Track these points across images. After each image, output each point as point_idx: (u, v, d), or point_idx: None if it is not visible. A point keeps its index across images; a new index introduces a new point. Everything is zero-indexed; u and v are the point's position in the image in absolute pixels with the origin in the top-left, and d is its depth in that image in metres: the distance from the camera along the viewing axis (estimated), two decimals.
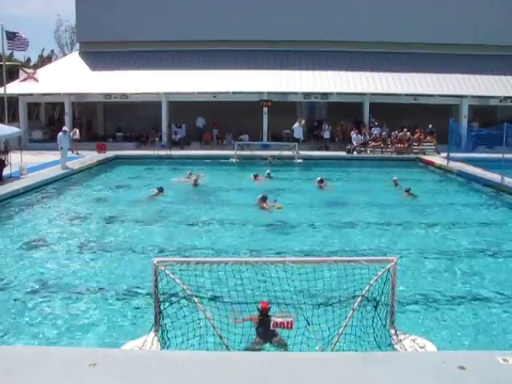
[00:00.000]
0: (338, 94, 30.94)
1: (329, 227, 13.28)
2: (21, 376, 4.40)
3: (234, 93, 30.56)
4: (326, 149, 29.99)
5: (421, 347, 6.14)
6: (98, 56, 33.72)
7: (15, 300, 8.32)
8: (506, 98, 31.05)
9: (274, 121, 30.89)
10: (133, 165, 25.29)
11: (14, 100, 32.21)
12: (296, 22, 32.59)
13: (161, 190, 17.14)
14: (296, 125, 29.62)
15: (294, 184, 20.39)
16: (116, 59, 33.11)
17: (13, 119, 30.49)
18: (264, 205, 14.87)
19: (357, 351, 5.91)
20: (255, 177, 20.06)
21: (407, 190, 17.30)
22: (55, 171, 21.13)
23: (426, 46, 32.57)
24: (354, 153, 28.61)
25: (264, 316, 6.73)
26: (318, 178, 18.99)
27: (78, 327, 7.35)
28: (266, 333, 6.58)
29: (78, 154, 26.97)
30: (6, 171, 18.87)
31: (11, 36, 25.96)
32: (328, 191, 18.24)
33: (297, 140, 28.58)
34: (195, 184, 18.88)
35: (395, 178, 19.03)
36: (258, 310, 6.79)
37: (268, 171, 20.95)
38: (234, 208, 15.49)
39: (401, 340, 6.25)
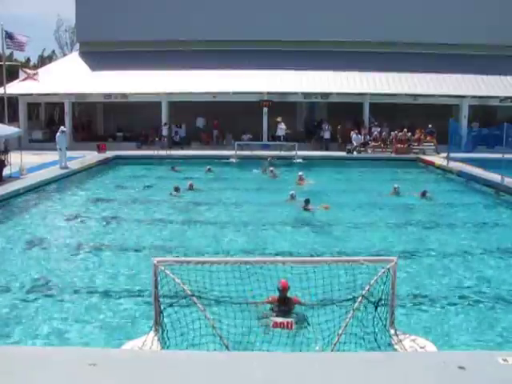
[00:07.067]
0: (338, 94, 30.91)
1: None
2: (21, 376, 4.40)
3: (233, 93, 30.51)
4: (326, 149, 29.98)
5: (421, 347, 6.12)
6: (98, 56, 33.66)
7: (15, 300, 8.31)
8: (506, 98, 31.01)
9: (273, 121, 30.86)
10: (133, 165, 25.28)
11: (13, 100, 32.16)
12: (296, 21, 32.54)
13: (177, 189, 17.18)
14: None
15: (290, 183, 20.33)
16: (116, 59, 33.02)
17: (13, 119, 30.43)
18: (308, 207, 14.83)
19: (357, 351, 5.91)
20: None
21: (423, 193, 17.03)
22: (55, 171, 21.12)
23: (426, 46, 32.50)
24: (354, 153, 28.59)
25: (283, 295, 7.14)
26: (298, 174, 19.54)
27: (77, 327, 7.34)
28: (283, 311, 6.92)
29: None
30: (5, 171, 18.84)
31: (10, 36, 25.90)
32: (307, 187, 18.57)
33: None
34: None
35: (396, 185, 17.64)
36: (278, 289, 7.17)
37: (271, 168, 21.89)
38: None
39: (401, 340, 6.24)
